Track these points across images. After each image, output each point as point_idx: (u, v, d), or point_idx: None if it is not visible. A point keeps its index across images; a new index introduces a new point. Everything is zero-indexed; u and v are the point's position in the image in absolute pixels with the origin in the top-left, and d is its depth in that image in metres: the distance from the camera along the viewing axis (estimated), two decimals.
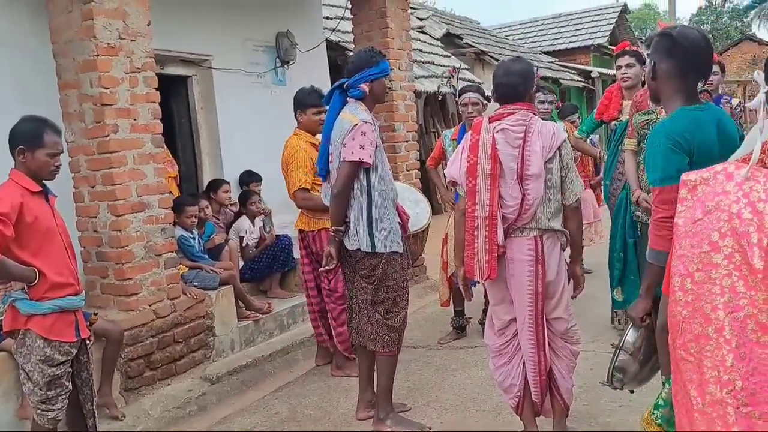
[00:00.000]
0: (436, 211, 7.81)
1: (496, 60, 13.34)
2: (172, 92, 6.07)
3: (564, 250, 3.17)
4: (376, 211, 3.49)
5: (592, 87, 16.83)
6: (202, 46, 5.95)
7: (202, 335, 4.70)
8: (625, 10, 22.36)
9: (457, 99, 5.24)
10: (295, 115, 4.56)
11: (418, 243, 4.33)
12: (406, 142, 6.79)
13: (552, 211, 3.06)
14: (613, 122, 4.79)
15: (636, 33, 39.12)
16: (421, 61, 10.88)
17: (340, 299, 4.36)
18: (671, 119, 2.38)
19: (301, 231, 4.55)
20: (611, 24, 20.08)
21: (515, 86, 3.08)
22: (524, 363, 3.20)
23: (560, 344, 3.22)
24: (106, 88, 4.04)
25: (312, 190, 4.37)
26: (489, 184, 3.01)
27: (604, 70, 17.67)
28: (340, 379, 4.49)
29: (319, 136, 4.50)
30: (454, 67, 9.43)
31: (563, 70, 16.05)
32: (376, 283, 3.55)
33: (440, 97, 10.78)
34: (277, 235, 5.81)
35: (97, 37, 3.98)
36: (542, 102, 5.82)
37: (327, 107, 4.27)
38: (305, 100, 4.51)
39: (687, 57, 2.34)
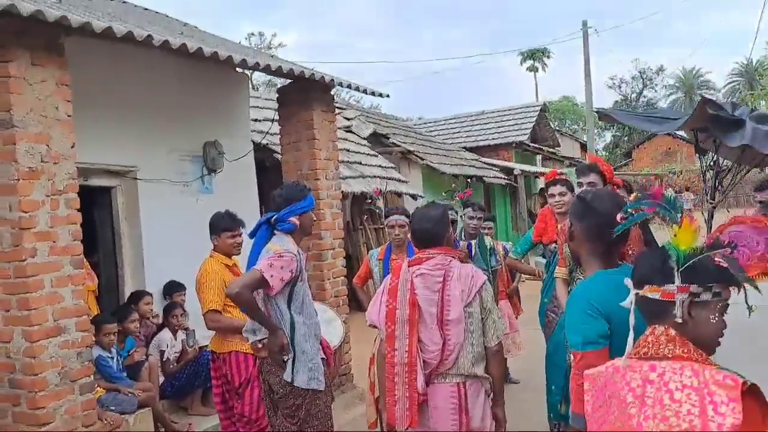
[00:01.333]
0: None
1: (422, 159, 13.80)
2: (95, 202, 6.00)
3: (489, 396, 3.16)
4: (299, 344, 3.50)
5: (514, 184, 17.50)
6: (127, 157, 5.95)
7: None
8: (544, 109, 23.67)
9: (383, 220, 5.37)
10: (211, 239, 4.59)
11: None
12: (333, 249, 6.86)
13: (475, 356, 3.06)
14: (553, 244, 4.94)
15: (555, 124, 41.36)
16: (348, 162, 11.13)
17: (249, 423, 4.33)
18: (589, 282, 2.38)
19: (213, 352, 4.53)
20: (532, 122, 21.17)
21: (431, 232, 3.17)
22: None
23: None
24: (26, 212, 3.96)
25: (224, 311, 4.37)
26: (407, 330, 3.03)
27: (526, 167, 18.47)
28: None
29: (235, 258, 4.55)
30: (379, 189, 9.73)
31: (487, 168, 16.68)
32: (299, 423, 3.50)
33: (368, 198, 10.99)
34: (200, 348, 5.69)
35: (18, 161, 3.94)
36: (471, 218, 5.98)
37: (240, 231, 4.40)
38: (220, 225, 4.57)
39: (601, 221, 2.33)
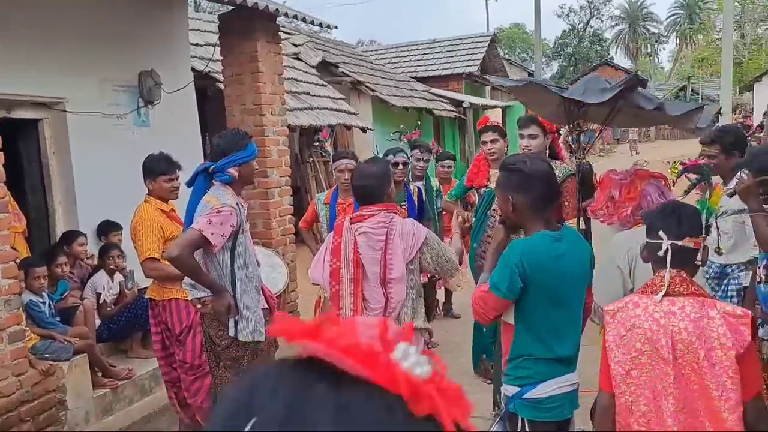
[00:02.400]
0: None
1: (372, 90, 13.46)
2: (21, 136, 5.60)
3: (430, 347, 3.20)
4: (240, 298, 3.36)
5: (463, 117, 17.34)
6: (55, 88, 5.52)
7: (52, 410, 4.34)
8: (494, 39, 23.34)
9: (331, 163, 5.20)
10: (145, 182, 4.32)
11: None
12: (279, 187, 6.66)
13: (415, 310, 3.09)
14: (483, 189, 4.90)
15: (505, 51, 41.12)
16: (296, 92, 10.75)
17: (191, 370, 4.23)
18: (530, 241, 2.51)
19: (151, 299, 4.35)
20: (482, 52, 20.86)
21: (372, 188, 3.10)
22: None
23: None
24: None
25: (161, 259, 4.17)
26: (352, 289, 3.00)
27: (476, 99, 18.29)
28: None
29: (171, 203, 4.33)
30: (328, 132, 9.43)
31: (437, 99, 16.44)
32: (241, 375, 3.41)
33: (317, 129, 10.69)
34: (139, 290, 5.48)
35: None
36: (419, 160, 5.94)
37: (177, 174, 4.22)
38: (155, 168, 4.29)
39: (546, 192, 2.49)
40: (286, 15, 6.43)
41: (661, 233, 2.21)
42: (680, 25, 52.28)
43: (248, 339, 3.38)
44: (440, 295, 7.21)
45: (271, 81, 6.47)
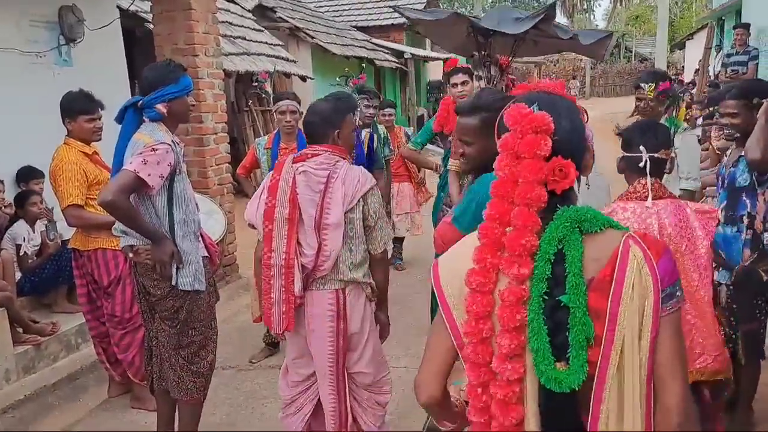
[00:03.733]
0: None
1: (312, 37, 13.02)
2: None
3: (371, 301, 3.05)
4: (179, 245, 3.12)
5: (405, 68, 17.07)
6: None
7: None
8: None
9: (271, 105, 4.92)
10: (64, 123, 3.96)
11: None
12: (215, 134, 6.32)
13: (355, 262, 2.91)
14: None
15: (449, 3, 40.70)
16: (231, 36, 10.26)
17: (120, 324, 4.00)
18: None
19: (75, 250, 4.04)
20: (423, 2, 20.47)
21: (318, 126, 2.90)
22: (313, 413, 3.10)
23: (365, 396, 3.10)
24: None
25: (86, 205, 3.86)
26: (286, 230, 2.81)
27: (417, 51, 18.01)
28: (139, 415, 4.05)
29: (94, 145, 4.00)
30: (267, 72, 9.02)
31: (378, 50, 16.08)
32: (179, 326, 3.20)
33: (254, 76, 10.26)
34: (63, 242, 5.12)
35: None
36: (367, 107, 5.72)
37: (99, 113, 3.93)
38: (74, 106, 3.93)
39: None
40: None
41: (641, 147, 2.56)
42: None
43: (188, 288, 3.15)
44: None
45: (204, 20, 6.07)
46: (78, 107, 3.91)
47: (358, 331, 2.96)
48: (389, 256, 3.23)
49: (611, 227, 1.40)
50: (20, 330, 4.52)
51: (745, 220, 3.19)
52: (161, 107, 3.08)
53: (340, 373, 2.96)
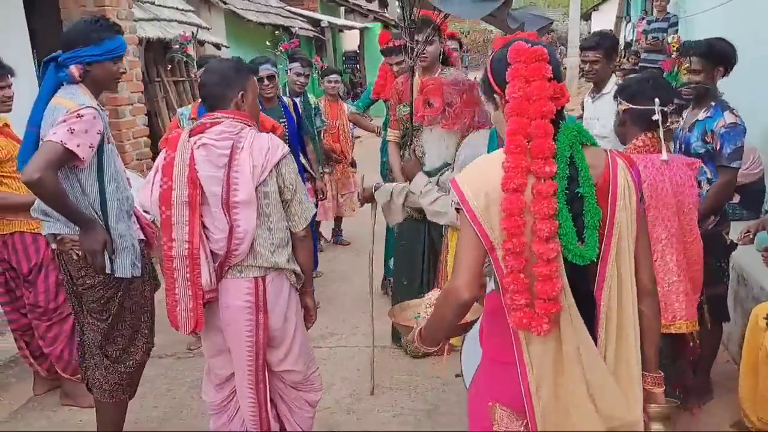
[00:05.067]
0: None
1: (225, 2, 12.43)
2: None
3: (296, 290, 2.73)
4: (113, 226, 2.80)
5: (322, 36, 16.66)
6: None
7: None
8: None
9: (194, 70, 4.57)
10: None
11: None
12: (131, 105, 5.91)
13: (276, 243, 2.57)
14: (403, 103, 4.52)
15: None
16: (139, 1, 9.62)
17: (44, 315, 3.63)
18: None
19: None
20: None
21: (218, 88, 2.54)
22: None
23: (294, 396, 2.82)
24: None
25: None
26: (188, 215, 2.44)
27: (333, 19, 17.62)
28: (72, 412, 3.70)
29: (3, 116, 3.59)
30: (191, 33, 8.49)
31: (293, 17, 15.59)
32: (111, 319, 2.90)
33: (166, 42, 9.66)
34: None
35: None
36: (299, 75, 5.43)
37: (9, 80, 3.58)
38: None
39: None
40: None
41: (656, 100, 2.66)
42: None
43: (126, 275, 2.85)
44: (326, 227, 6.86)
45: None
46: None
47: (281, 326, 2.64)
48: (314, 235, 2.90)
49: (593, 143, 1.78)
50: None
51: (704, 186, 3.19)
52: (74, 69, 2.72)
53: (260, 372, 2.65)
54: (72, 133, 2.59)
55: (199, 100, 4.45)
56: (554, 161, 1.65)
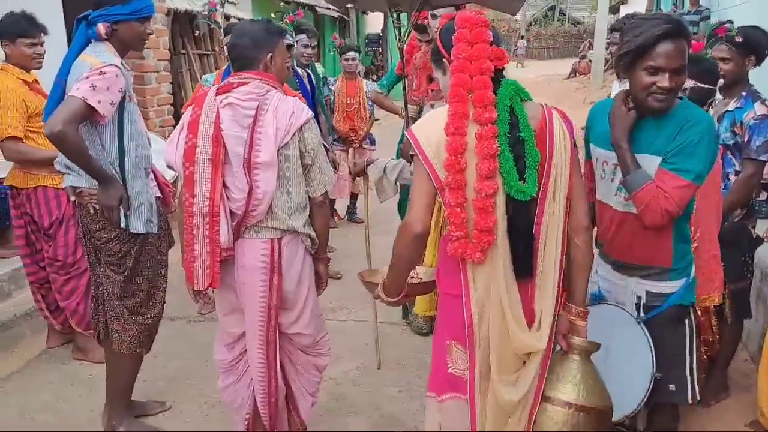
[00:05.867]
0: None
1: None
2: None
3: (310, 254, 2.74)
4: (130, 183, 2.85)
5: (346, 17, 16.64)
6: None
7: None
8: None
9: (222, 38, 4.59)
10: (2, 47, 3.61)
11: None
12: (157, 72, 5.96)
13: (294, 207, 2.58)
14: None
15: None
16: None
17: (63, 269, 3.71)
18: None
19: (12, 188, 3.72)
20: None
21: (249, 49, 2.54)
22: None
23: (302, 359, 2.85)
24: None
25: (26, 138, 3.53)
26: (210, 173, 2.47)
27: None
28: (83, 366, 3.79)
29: (34, 73, 3.65)
30: (219, 1, 8.45)
31: None
32: (127, 273, 2.95)
33: (192, 14, 9.71)
34: None
35: None
36: (306, 46, 5.35)
37: (41, 38, 3.64)
38: (13, 29, 3.58)
39: None
40: None
41: (720, 81, 2.92)
42: None
43: (141, 230, 2.89)
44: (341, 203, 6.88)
45: None
46: (18, 30, 3.55)
47: (294, 288, 2.67)
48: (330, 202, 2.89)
49: (529, 99, 2.00)
50: None
51: (731, 177, 3.12)
52: (101, 28, 2.77)
53: (271, 332, 2.66)
54: (94, 89, 2.64)
55: (223, 68, 4.49)
56: (494, 109, 1.88)
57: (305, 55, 5.43)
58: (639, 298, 2.33)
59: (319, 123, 5.17)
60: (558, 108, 2.03)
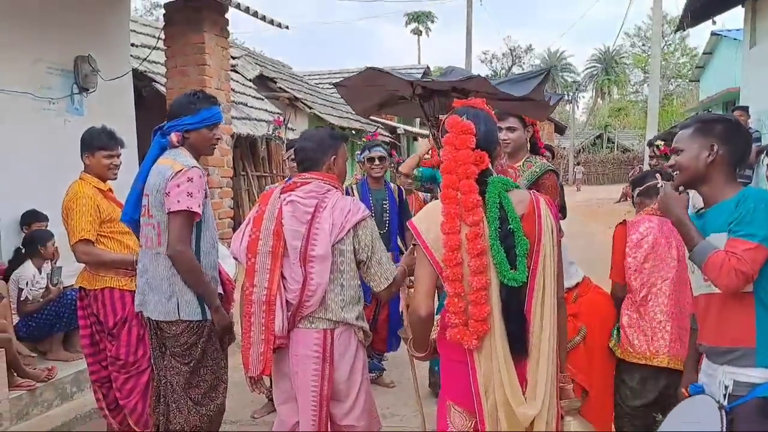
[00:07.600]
0: None
1: (309, 107, 13.27)
2: None
3: (364, 347, 2.82)
4: (205, 272, 3.04)
5: (398, 142, 17.40)
6: None
7: None
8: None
9: (284, 152, 4.91)
10: (82, 158, 3.93)
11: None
12: (220, 188, 6.34)
13: (346, 300, 2.70)
14: None
15: None
16: (233, 102, 10.42)
17: (124, 368, 3.82)
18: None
19: (81, 288, 3.92)
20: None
21: (309, 152, 2.79)
22: None
23: None
24: None
25: (97, 242, 3.78)
26: (269, 264, 2.65)
27: (408, 127, 18.40)
28: None
29: (109, 183, 3.96)
30: (284, 119, 9.10)
31: (371, 123, 16.40)
32: (193, 364, 3.05)
33: (253, 139, 10.37)
34: (63, 288, 5.00)
35: None
36: (382, 158, 5.36)
37: (119, 151, 3.92)
38: (94, 142, 3.90)
39: (745, 146, 2.37)
40: (237, 7, 6.18)
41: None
42: (597, 77, 55.00)
43: (197, 317, 3.02)
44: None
45: (217, 75, 6.20)
46: (99, 143, 3.89)
47: (346, 379, 2.74)
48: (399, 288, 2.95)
49: (517, 187, 2.19)
50: (14, 375, 4.35)
51: None
52: (173, 137, 3.06)
53: (323, 423, 2.71)
54: (191, 196, 2.87)
55: (288, 177, 4.78)
56: (480, 211, 2.05)
57: (375, 169, 5.43)
58: (726, 387, 2.17)
59: (404, 237, 5.34)
60: (545, 196, 2.22)
